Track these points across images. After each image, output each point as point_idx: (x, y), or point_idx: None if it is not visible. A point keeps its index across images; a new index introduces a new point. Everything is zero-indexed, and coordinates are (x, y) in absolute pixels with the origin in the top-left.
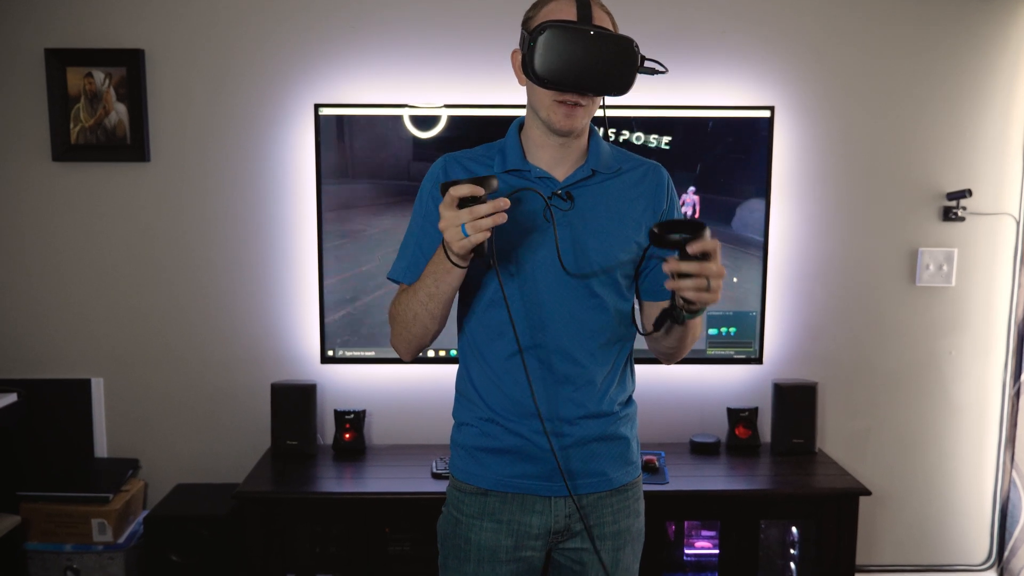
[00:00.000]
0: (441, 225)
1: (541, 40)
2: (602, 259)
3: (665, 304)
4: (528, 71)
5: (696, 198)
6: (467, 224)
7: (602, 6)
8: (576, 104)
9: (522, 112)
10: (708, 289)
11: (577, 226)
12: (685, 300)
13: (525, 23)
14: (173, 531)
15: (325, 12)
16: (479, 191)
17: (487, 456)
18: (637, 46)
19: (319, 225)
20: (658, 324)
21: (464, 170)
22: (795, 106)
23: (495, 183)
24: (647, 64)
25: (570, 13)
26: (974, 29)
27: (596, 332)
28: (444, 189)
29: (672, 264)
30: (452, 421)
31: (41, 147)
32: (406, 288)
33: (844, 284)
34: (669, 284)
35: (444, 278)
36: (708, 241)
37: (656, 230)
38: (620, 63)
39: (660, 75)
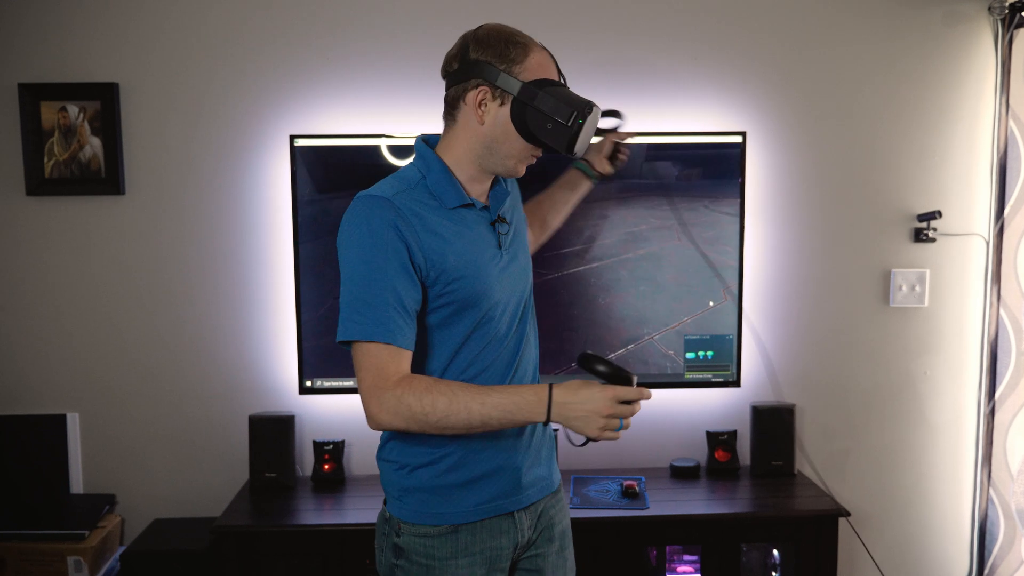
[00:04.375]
0: (605, 416)
1: (590, 119)
2: (531, 272)
3: None
4: (554, 140)
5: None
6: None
7: None
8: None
9: None
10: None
11: (516, 249)
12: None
13: (507, 64)
14: (150, 567)
15: (300, 44)
16: (647, 395)
17: (456, 490)
18: None
19: (296, 256)
20: None
21: (421, 205)
22: (767, 131)
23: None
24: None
25: (552, 69)
26: (940, 52)
27: (536, 343)
28: (617, 378)
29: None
30: None
31: (15, 181)
32: (432, 379)
33: (819, 306)
34: None
35: (526, 420)
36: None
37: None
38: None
39: (645, 103)
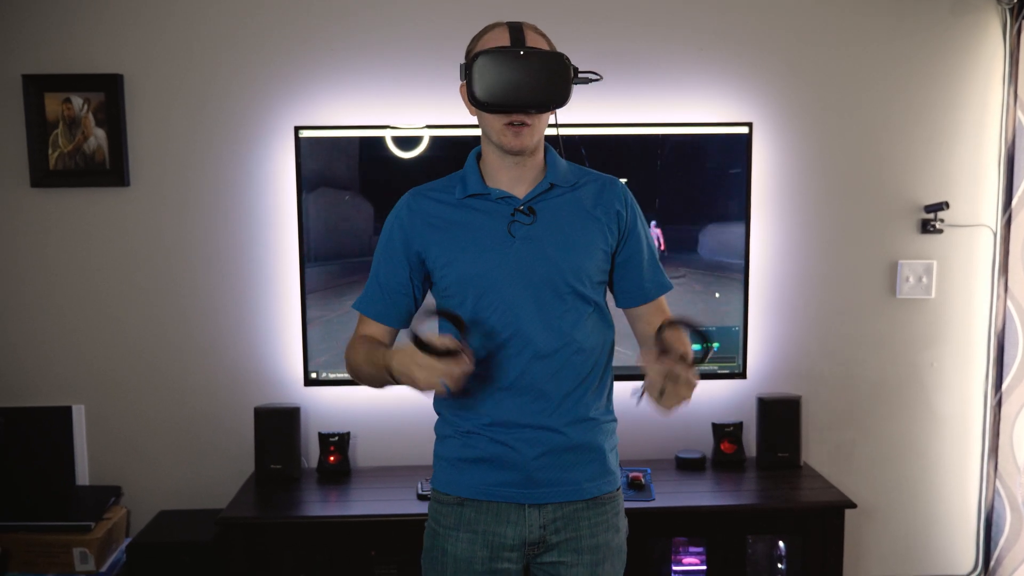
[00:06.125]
0: (421, 376)
1: (476, 67)
2: (569, 268)
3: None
4: (471, 99)
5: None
6: (446, 379)
7: (536, 30)
8: (523, 124)
9: None
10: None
11: (542, 239)
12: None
13: (467, 54)
14: (156, 559)
15: (304, 35)
16: (468, 368)
17: (467, 465)
18: (568, 59)
19: (300, 247)
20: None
21: (430, 201)
22: (773, 122)
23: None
24: (581, 75)
25: (504, 40)
26: (948, 42)
27: (568, 341)
28: (422, 346)
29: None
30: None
31: (19, 173)
32: (362, 339)
33: (825, 298)
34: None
35: (383, 384)
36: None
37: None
38: (554, 77)
39: (651, 94)
